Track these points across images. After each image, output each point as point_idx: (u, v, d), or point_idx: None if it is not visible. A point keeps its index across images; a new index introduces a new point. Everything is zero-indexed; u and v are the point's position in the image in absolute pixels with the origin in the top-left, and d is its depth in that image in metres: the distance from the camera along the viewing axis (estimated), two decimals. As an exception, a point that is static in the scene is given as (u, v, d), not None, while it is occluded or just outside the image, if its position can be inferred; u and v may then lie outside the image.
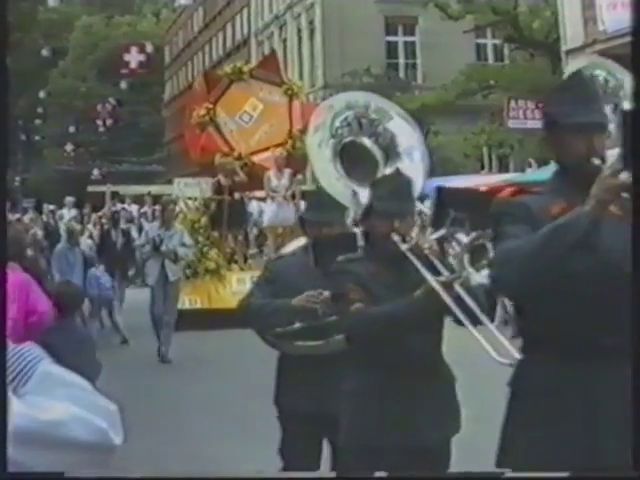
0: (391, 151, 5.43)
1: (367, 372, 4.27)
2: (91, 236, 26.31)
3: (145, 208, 27.93)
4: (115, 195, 29.50)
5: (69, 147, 59.19)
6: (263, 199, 18.01)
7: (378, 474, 4.35)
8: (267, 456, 7.02)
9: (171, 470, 7.11)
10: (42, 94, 59.19)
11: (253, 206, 18.02)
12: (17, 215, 28.47)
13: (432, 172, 5.89)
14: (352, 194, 5.26)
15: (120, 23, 65.20)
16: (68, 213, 26.92)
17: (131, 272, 17.15)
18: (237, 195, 17.12)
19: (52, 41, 60.82)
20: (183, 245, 13.43)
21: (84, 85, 61.40)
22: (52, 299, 6.57)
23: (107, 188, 23.10)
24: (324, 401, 4.83)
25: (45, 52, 58.20)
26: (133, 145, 58.84)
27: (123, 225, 21.27)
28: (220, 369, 11.68)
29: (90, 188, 37.64)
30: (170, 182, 23.17)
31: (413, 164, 5.15)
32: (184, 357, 12.72)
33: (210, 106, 18.33)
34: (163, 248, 13.11)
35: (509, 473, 3.43)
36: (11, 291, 6.32)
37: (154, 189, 32.25)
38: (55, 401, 1.73)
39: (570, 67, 24.72)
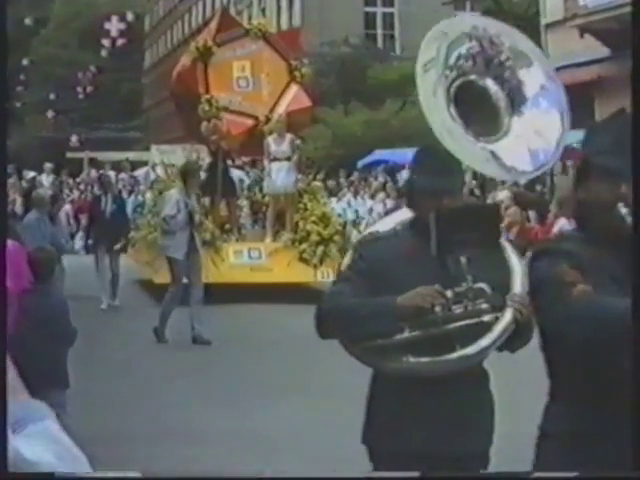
0: (515, 100, 4.18)
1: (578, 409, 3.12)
2: (72, 201, 26.61)
3: (122, 175, 28.04)
4: (93, 161, 29.57)
5: (50, 114, 59.11)
6: (244, 166, 17.48)
7: None
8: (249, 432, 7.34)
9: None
10: (25, 62, 58.98)
11: (237, 173, 17.29)
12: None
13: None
14: (491, 156, 4.04)
15: (102, -9, 64.97)
16: (46, 179, 27.03)
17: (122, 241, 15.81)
18: (229, 161, 16.60)
19: (35, 10, 60.55)
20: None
21: (66, 53, 61.20)
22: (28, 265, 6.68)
23: (85, 154, 23.15)
24: (456, 440, 3.73)
25: (28, 21, 58.04)
26: (112, 112, 58.66)
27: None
28: (220, 348, 11.20)
29: (69, 154, 37.61)
30: (148, 149, 23.09)
31: (540, 113, 4.06)
32: (179, 336, 11.67)
33: (208, 96, 17.42)
34: (197, 217, 12.04)
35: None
36: (13, 261, 6.45)
37: (132, 155, 32.30)
38: (46, 453, 1.82)
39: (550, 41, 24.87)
